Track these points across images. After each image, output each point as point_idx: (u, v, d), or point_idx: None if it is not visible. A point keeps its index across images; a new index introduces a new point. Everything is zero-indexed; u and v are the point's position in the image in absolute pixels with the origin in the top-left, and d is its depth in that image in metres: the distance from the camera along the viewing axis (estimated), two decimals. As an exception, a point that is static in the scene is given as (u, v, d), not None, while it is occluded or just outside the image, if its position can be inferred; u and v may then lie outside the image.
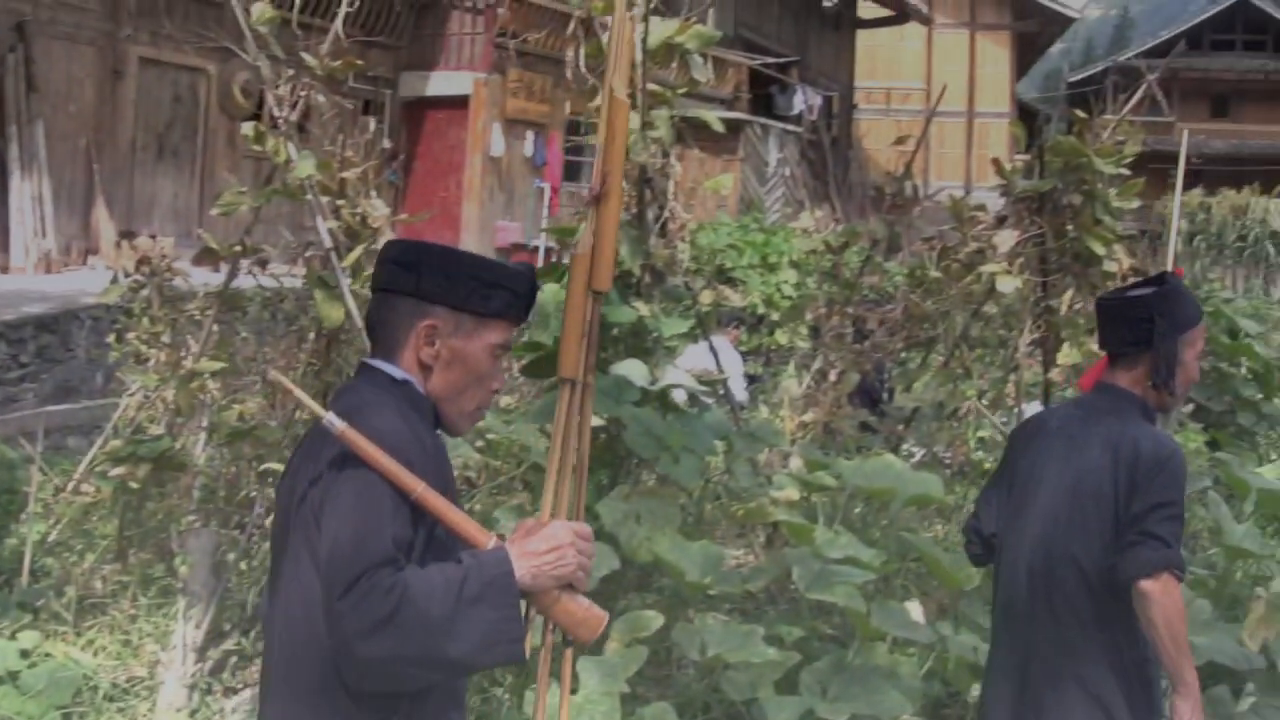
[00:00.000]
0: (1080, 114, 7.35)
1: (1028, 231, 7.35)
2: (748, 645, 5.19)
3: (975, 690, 5.81)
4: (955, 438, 8.20)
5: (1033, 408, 9.15)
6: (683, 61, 6.61)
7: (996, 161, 7.60)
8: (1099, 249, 7.24)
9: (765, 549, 6.92)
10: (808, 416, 8.16)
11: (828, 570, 5.61)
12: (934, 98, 43.63)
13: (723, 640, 5.23)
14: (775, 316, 20.51)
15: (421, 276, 2.88)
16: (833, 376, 8.44)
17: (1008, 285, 7.19)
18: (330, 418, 2.63)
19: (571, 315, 2.91)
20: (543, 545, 2.69)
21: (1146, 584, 3.87)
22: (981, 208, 8.06)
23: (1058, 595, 4.15)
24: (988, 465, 7.88)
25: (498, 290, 2.92)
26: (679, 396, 6.41)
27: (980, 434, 8.18)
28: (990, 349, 8.39)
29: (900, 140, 8.97)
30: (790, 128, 31.66)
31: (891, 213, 9.08)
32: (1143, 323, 4.06)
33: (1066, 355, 7.32)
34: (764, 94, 33.02)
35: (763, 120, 30.40)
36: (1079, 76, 53.71)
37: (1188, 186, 50.56)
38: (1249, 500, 7.39)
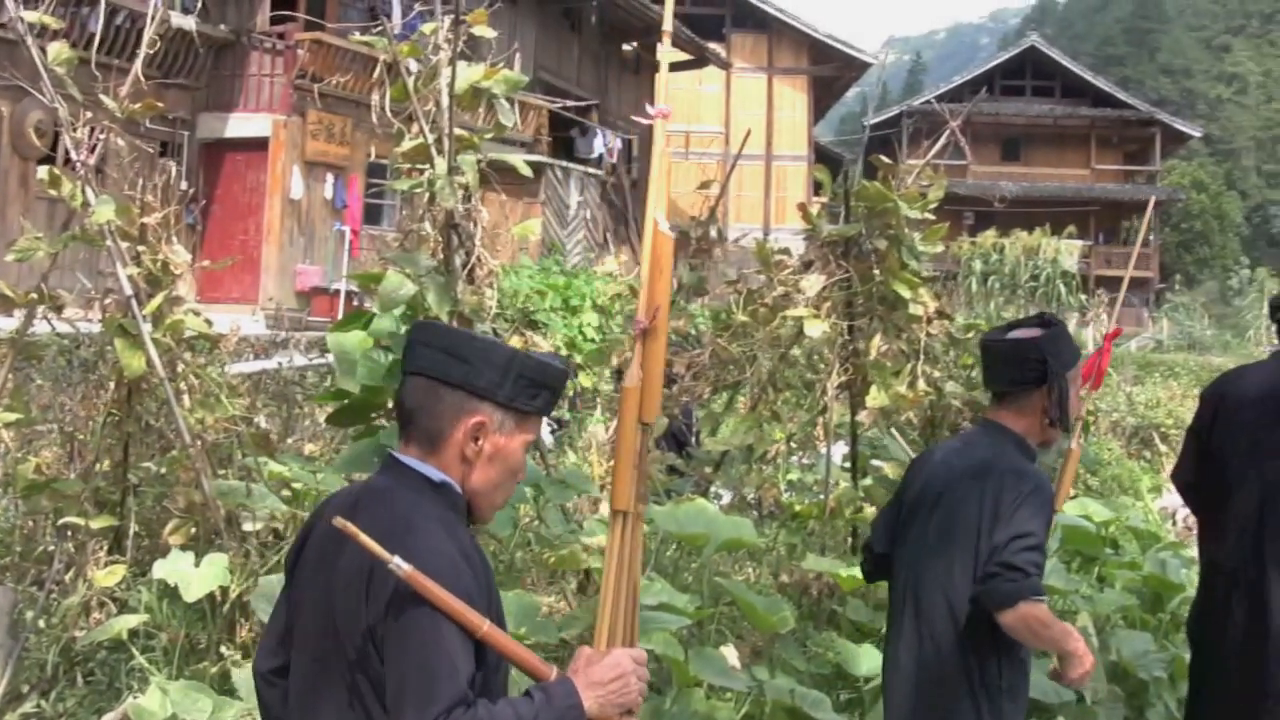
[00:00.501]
0: (884, 160, 7.48)
1: (834, 276, 7.44)
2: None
3: (792, 735, 5.85)
4: (765, 481, 8.25)
5: (838, 450, 9.27)
6: (489, 105, 6.56)
7: (803, 207, 7.70)
8: (905, 292, 7.35)
9: (577, 596, 6.86)
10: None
11: (643, 617, 5.58)
12: (733, 141, 44.23)
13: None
14: (579, 360, 20.57)
15: (475, 370, 2.88)
16: (640, 421, 8.41)
17: (815, 329, 7.25)
18: (397, 562, 2.62)
19: (624, 447, 3.04)
20: (608, 675, 2.79)
21: (1006, 617, 4.10)
22: (786, 251, 8.14)
23: (924, 618, 4.39)
24: (798, 508, 7.95)
25: (543, 391, 2.96)
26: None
27: (790, 476, 8.25)
28: (797, 392, 8.46)
29: (704, 184, 9.02)
30: (591, 171, 31.81)
31: (696, 256, 9.11)
32: (1034, 363, 4.31)
33: (874, 398, 7.40)
34: (564, 137, 33.21)
35: (564, 163, 30.50)
36: (876, 120, 54.92)
37: (981, 228, 52.06)
38: (1054, 536, 7.58)
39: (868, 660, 6.43)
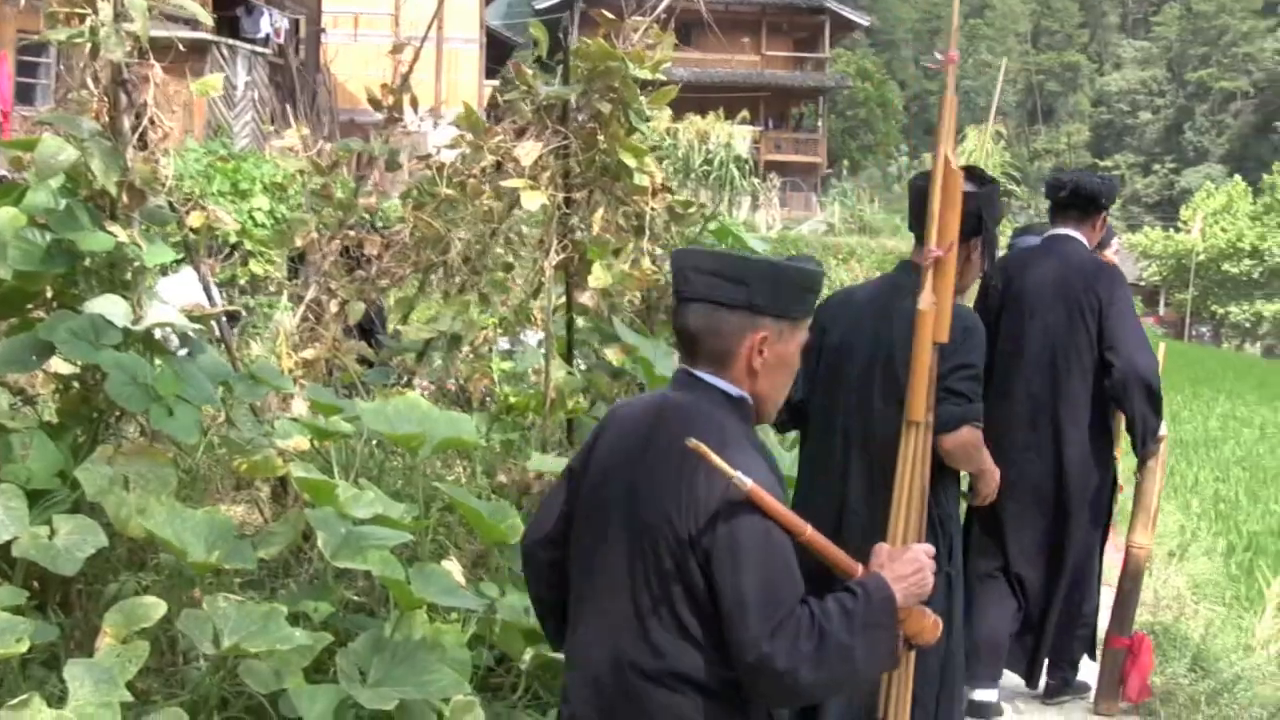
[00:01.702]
0: (607, 14, 6.76)
1: (551, 143, 6.72)
2: (269, 629, 4.32)
3: (528, 655, 5.19)
4: (475, 371, 7.50)
5: (531, 337, 8.60)
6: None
7: (518, 65, 6.93)
8: (630, 161, 6.71)
9: (272, 506, 6.05)
10: (309, 354, 7.26)
11: (356, 533, 4.82)
12: (403, 24, 42.90)
13: (239, 625, 4.33)
14: (249, 245, 19.42)
15: (753, 290, 3.04)
16: (334, 308, 7.56)
17: (534, 201, 6.53)
18: (739, 477, 2.81)
19: (920, 365, 3.55)
20: (909, 569, 3.00)
21: (948, 441, 4.66)
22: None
23: (874, 452, 4.71)
24: (514, 400, 7.24)
25: (809, 295, 3.17)
26: (166, 337, 5.43)
27: (504, 365, 7.49)
28: (509, 273, 7.73)
29: (396, 49, 8.16)
30: (259, 49, 30.30)
31: (387, 125, 8.25)
32: (970, 215, 4.47)
33: (597, 277, 6.76)
34: (230, 16, 31.45)
35: (229, 41, 28.91)
36: (546, 4, 54.02)
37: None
38: None
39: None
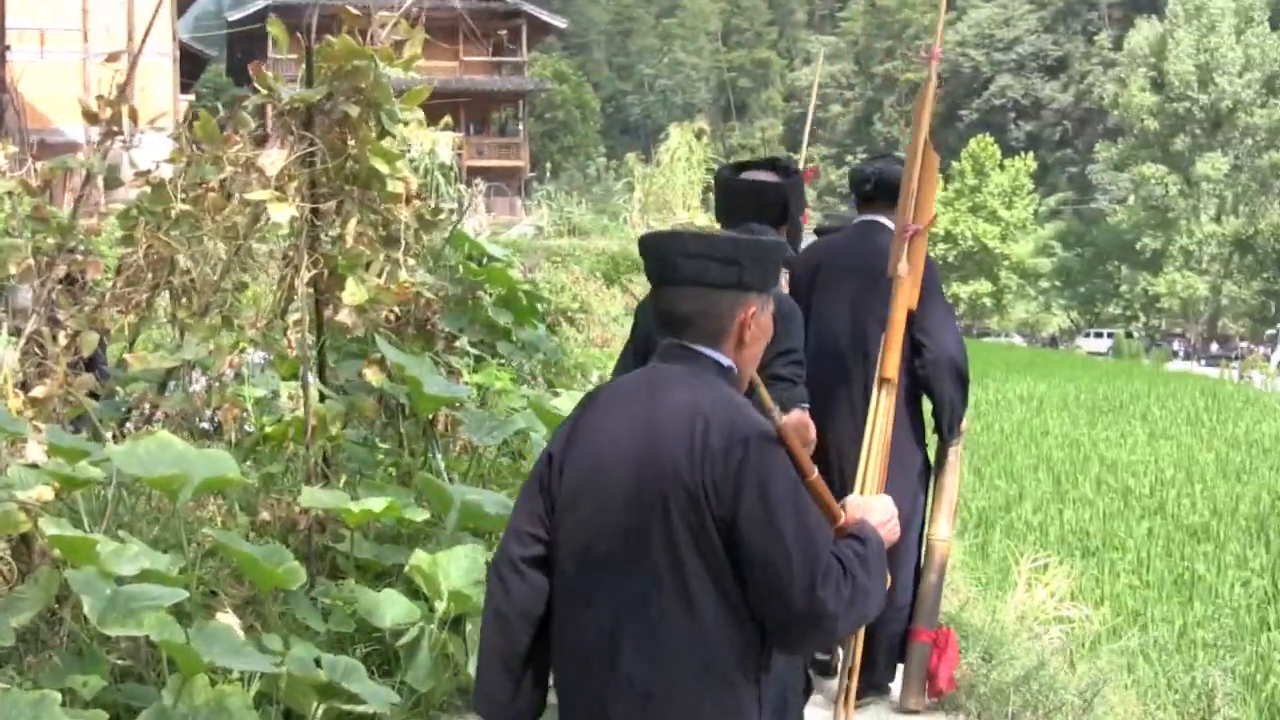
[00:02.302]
0: (351, 9, 6.29)
1: (296, 151, 6.21)
2: (42, 715, 3.79)
3: (320, 710, 4.72)
4: (225, 400, 6.89)
5: (258, 356, 8.03)
6: None
7: (258, 67, 6.40)
8: (383, 167, 6.26)
9: (19, 564, 5.41)
10: (38, 392, 6.56)
11: (124, 594, 4.29)
12: (92, 39, 41.25)
13: (6, 713, 3.80)
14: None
15: (744, 270, 3.12)
16: (63, 339, 6.88)
17: (282, 214, 6.02)
18: (778, 414, 2.94)
19: (895, 328, 4.04)
20: (884, 516, 3.19)
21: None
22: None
23: None
24: (269, 429, 6.67)
25: (780, 267, 3.39)
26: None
27: (257, 393, 6.90)
28: (251, 292, 7.17)
29: (112, 57, 7.55)
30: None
31: (107, 139, 7.62)
32: (776, 205, 4.79)
33: (353, 294, 6.29)
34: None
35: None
36: (239, 15, 52.50)
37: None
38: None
39: (392, 608, 5.38)
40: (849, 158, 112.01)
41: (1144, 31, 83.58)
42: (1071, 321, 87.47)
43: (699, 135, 50.10)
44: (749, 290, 3.14)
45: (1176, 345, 70.19)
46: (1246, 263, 75.52)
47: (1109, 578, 13.10)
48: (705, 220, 46.33)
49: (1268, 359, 57.49)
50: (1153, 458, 23.36)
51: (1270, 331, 71.49)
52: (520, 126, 61.67)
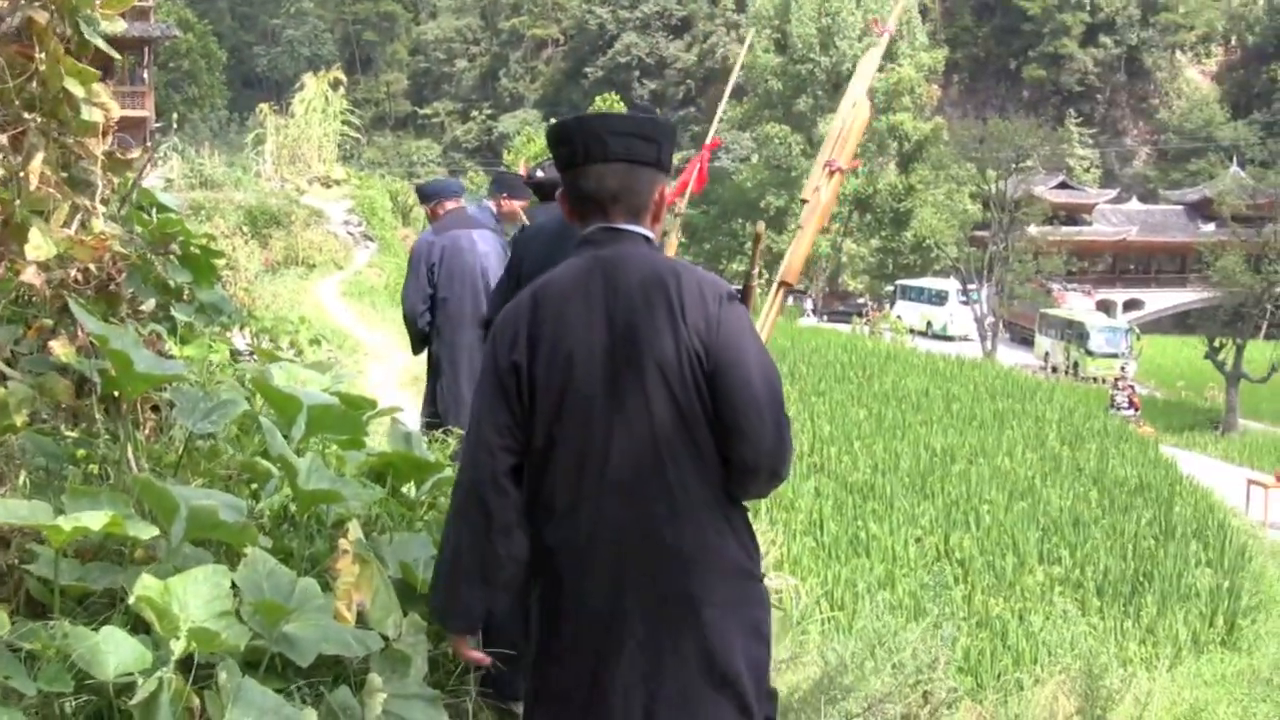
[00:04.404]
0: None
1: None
2: None
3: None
4: None
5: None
6: None
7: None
8: (77, 90, 5.03)
9: None
10: None
11: None
12: None
13: None
14: None
15: (661, 148, 3.36)
16: None
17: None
18: (753, 275, 3.68)
19: (810, 232, 4.49)
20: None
21: None
22: None
23: None
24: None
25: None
26: None
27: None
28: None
29: None
30: None
31: None
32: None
33: (38, 247, 5.02)
34: None
35: None
36: None
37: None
38: (299, 422, 5.41)
39: (117, 651, 4.13)
40: (474, 113, 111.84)
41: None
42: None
43: (335, 85, 48.78)
44: (662, 169, 3.37)
45: (807, 302, 72.02)
46: (866, 221, 78.01)
47: (786, 538, 12.89)
48: (343, 173, 45.17)
49: (900, 318, 59.63)
50: (808, 414, 23.48)
51: (889, 288, 74.25)
52: (145, 74, 58.72)
